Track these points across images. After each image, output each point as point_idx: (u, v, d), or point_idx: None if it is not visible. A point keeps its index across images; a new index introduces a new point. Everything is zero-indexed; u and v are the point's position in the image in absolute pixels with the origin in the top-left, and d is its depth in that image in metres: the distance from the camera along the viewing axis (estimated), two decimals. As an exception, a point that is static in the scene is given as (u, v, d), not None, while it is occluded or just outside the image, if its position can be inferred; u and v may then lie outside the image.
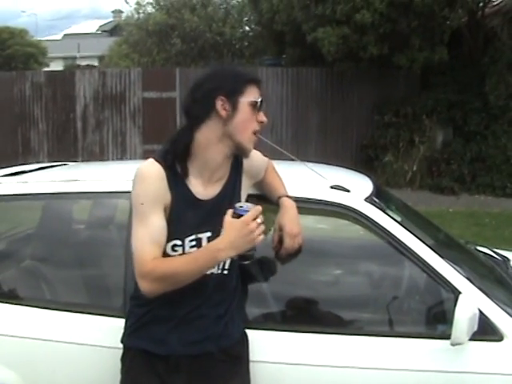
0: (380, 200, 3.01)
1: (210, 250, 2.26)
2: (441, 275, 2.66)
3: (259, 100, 2.44)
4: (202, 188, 2.44)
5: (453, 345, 2.48)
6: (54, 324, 2.88)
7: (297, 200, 2.68)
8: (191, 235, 2.39)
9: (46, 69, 26.94)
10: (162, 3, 21.22)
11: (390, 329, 2.82)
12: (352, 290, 2.72)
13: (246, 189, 2.63)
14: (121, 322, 2.61)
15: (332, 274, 3.11)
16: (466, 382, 2.56)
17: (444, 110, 13.50)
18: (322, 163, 3.69)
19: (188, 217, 2.39)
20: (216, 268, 2.43)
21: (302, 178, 3.00)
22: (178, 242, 2.38)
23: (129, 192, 2.72)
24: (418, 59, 12.52)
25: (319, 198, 2.80)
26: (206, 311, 2.46)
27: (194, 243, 2.39)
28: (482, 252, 3.86)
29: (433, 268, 2.67)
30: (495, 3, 14.11)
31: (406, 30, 12.14)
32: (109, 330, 2.76)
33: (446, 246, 3.43)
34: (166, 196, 2.35)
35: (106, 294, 3.11)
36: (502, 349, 2.59)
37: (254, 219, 2.22)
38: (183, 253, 2.38)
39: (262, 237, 2.23)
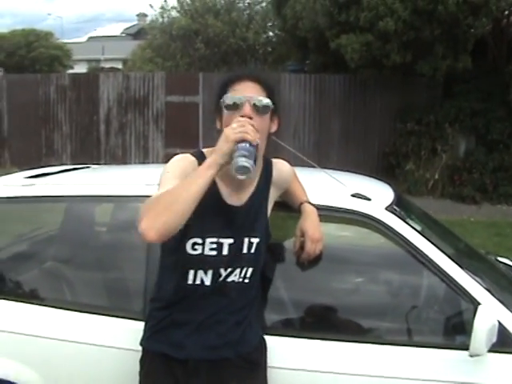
0: (400, 209, 3.01)
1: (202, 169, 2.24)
2: (460, 285, 2.66)
3: (233, 96, 2.39)
4: (230, 193, 2.45)
5: (471, 356, 2.47)
6: (75, 325, 2.92)
7: (318, 208, 2.69)
8: (213, 237, 2.39)
9: (71, 71, 27.16)
10: (186, 8, 21.31)
11: (408, 338, 2.82)
12: (371, 299, 2.72)
13: (273, 200, 2.63)
14: (140, 325, 2.63)
15: (351, 282, 3.12)
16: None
17: (467, 118, 13.42)
18: (343, 170, 3.70)
19: (212, 217, 2.39)
20: (237, 276, 2.45)
21: (323, 186, 3.01)
22: (199, 241, 2.38)
23: (150, 196, 2.76)
24: (441, 67, 12.46)
25: (340, 206, 2.81)
26: (225, 317, 2.47)
27: (214, 246, 2.39)
28: (502, 263, 3.85)
29: (452, 278, 2.66)
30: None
31: (429, 37, 12.09)
32: (128, 333, 2.78)
33: (465, 256, 3.42)
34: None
35: (126, 296, 3.13)
36: (521, 361, 2.58)
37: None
38: (202, 253, 2.39)
39: (248, 135, 2.21)
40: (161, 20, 22.19)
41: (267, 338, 2.65)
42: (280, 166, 2.65)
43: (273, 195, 2.61)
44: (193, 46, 19.94)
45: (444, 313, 2.88)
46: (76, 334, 2.88)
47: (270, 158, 2.62)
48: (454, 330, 2.79)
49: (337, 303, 2.83)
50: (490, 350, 2.48)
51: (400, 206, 3.04)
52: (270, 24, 21.11)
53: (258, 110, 2.39)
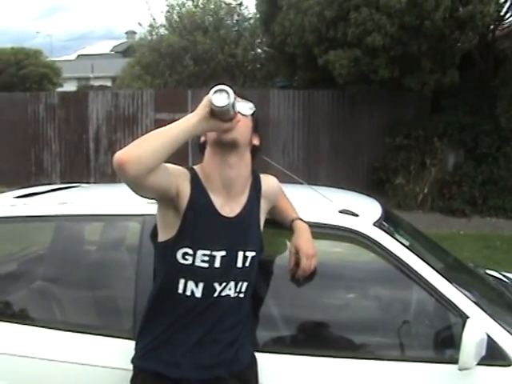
0: (388, 224, 3.03)
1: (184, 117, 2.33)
2: (449, 299, 2.67)
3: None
4: (226, 207, 2.47)
5: (460, 369, 2.47)
6: (65, 345, 2.90)
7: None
8: (205, 249, 2.40)
9: (60, 89, 27.15)
10: (174, 25, 21.37)
11: (398, 353, 2.82)
12: (361, 314, 2.73)
13: (264, 213, 2.66)
14: (130, 344, 2.63)
15: (341, 298, 3.12)
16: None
17: (455, 132, 13.50)
18: (331, 186, 3.72)
19: (204, 227, 2.41)
20: (233, 291, 2.45)
21: (311, 202, 3.02)
22: (190, 251, 2.38)
23: (140, 215, 2.76)
24: (428, 82, 12.55)
25: (328, 223, 2.82)
26: (219, 336, 2.47)
27: (206, 258, 2.39)
28: (491, 276, 3.86)
29: (441, 292, 2.68)
30: (506, 26, 14.16)
31: (416, 52, 12.17)
32: (118, 351, 2.78)
33: (454, 270, 3.44)
34: (183, 184, 2.40)
35: (115, 315, 3.12)
36: (510, 374, 2.59)
37: None
38: (193, 264, 2.39)
39: None
40: (149, 37, 22.23)
41: (258, 354, 2.64)
42: (268, 180, 2.69)
43: (264, 208, 2.64)
44: (181, 63, 19.98)
45: (434, 327, 2.89)
46: (66, 353, 2.87)
47: (257, 172, 2.65)
48: (443, 344, 2.79)
49: (327, 319, 2.84)
50: (479, 363, 2.48)
51: (388, 222, 3.06)
52: (258, 41, 21.17)
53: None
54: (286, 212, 2.75)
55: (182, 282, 2.41)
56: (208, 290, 2.42)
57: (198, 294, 2.41)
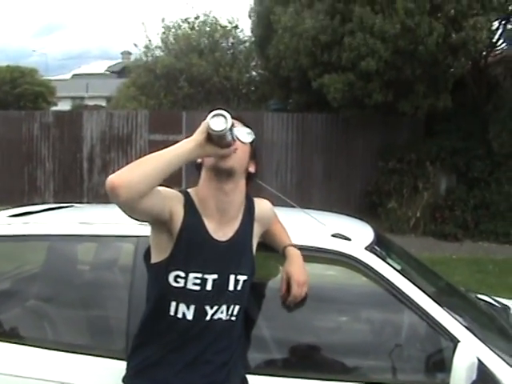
0: (381, 248, 3.05)
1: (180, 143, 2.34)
2: (440, 324, 2.68)
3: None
4: (219, 231, 2.47)
5: (451, 393, 2.48)
6: (56, 365, 2.90)
7: (299, 248, 2.72)
8: (197, 272, 2.40)
9: (55, 108, 27.20)
10: (170, 47, 21.48)
11: (390, 376, 2.82)
12: (352, 338, 2.74)
13: (257, 236, 2.66)
14: (122, 365, 2.63)
15: (332, 321, 3.13)
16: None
17: (448, 156, 13.59)
18: (324, 210, 3.74)
19: (196, 250, 2.40)
20: (224, 314, 2.45)
21: (303, 226, 3.04)
22: (182, 274, 2.38)
23: (133, 236, 2.78)
24: (422, 106, 12.65)
25: (320, 246, 2.84)
26: (211, 357, 2.46)
27: (198, 281, 2.40)
28: (482, 300, 3.88)
29: (432, 316, 2.69)
30: (498, 52, 14.29)
31: (410, 77, 12.27)
32: (110, 372, 2.78)
33: (446, 295, 3.45)
34: (176, 208, 2.41)
35: (108, 335, 3.13)
36: (500, 398, 2.60)
37: None
38: (185, 287, 2.39)
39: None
40: (145, 58, 22.33)
41: (250, 377, 2.65)
42: (261, 204, 2.69)
43: (257, 232, 2.64)
44: (176, 84, 20.06)
45: (425, 351, 2.89)
46: (58, 373, 2.86)
47: (251, 196, 2.65)
48: (434, 368, 2.80)
49: (318, 342, 2.85)
50: (470, 388, 2.49)
51: (380, 246, 3.08)
52: (253, 63, 21.30)
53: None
54: (280, 237, 2.76)
55: (173, 304, 2.41)
56: (199, 313, 2.42)
57: (190, 316, 2.41)
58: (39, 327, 3.25)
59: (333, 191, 14.79)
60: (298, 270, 2.64)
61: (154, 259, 2.46)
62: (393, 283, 2.76)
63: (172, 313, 2.41)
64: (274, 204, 2.83)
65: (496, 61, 14.21)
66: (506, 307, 3.69)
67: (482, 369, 2.56)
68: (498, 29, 13.52)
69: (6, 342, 3.05)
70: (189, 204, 2.45)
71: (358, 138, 14.78)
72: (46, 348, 2.98)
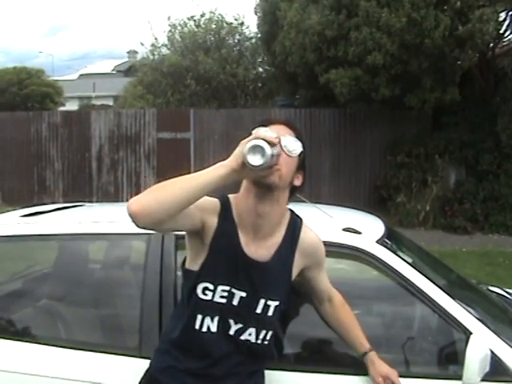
0: (391, 241, 3.05)
1: (212, 168, 2.17)
2: (452, 316, 2.69)
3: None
4: (252, 246, 2.37)
5: (465, 386, 2.49)
6: (70, 363, 2.92)
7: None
8: (226, 285, 2.33)
9: (62, 108, 27.28)
10: (176, 45, 21.48)
11: (403, 369, 2.81)
12: (365, 331, 2.73)
13: (298, 269, 2.51)
14: (136, 362, 2.64)
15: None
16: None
17: (456, 149, 13.56)
18: (334, 205, 3.74)
19: (227, 264, 2.33)
20: (254, 337, 2.39)
21: (315, 221, 3.04)
22: (210, 286, 2.32)
23: (144, 234, 2.79)
24: (429, 100, 12.62)
25: (332, 241, 2.84)
26: (240, 369, 2.42)
27: (225, 294, 2.33)
28: (494, 292, 3.88)
29: (444, 309, 2.70)
30: (505, 44, 14.24)
31: (417, 71, 12.25)
32: (124, 370, 2.80)
33: (457, 287, 3.45)
34: (210, 218, 2.33)
35: (121, 333, 3.14)
36: (513, 390, 2.60)
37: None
38: (212, 299, 2.33)
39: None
40: (151, 57, 22.34)
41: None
42: (309, 233, 2.52)
43: (298, 263, 2.49)
44: (183, 82, 20.05)
45: (437, 343, 2.89)
46: (71, 371, 2.88)
47: (299, 217, 2.51)
48: (447, 360, 2.81)
49: (330, 336, 2.85)
50: (483, 379, 2.49)
51: (391, 239, 3.09)
52: (259, 60, 21.26)
53: (288, 150, 2.34)
54: (357, 335, 2.68)
55: (199, 317, 2.36)
56: (223, 325, 2.36)
57: (214, 328, 2.36)
58: (52, 326, 3.26)
59: (341, 186, 14.78)
60: (389, 370, 2.61)
61: (188, 265, 2.41)
62: (404, 276, 2.76)
63: (197, 326, 2.36)
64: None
65: (503, 52, 14.16)
66: (517, 298, 3.69)
67: (495, 360, 2.56)
68: (504, 20, 13.47)
69: (20, 340, 3.06)
70: (225, 213, 2.37)
71: (366, 132, 14.76)
72: (59, 346, 2.99)
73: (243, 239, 2.36)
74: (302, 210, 3.13)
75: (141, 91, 22.50)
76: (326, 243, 2.68)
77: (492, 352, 2.54)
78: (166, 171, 15.27)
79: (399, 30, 11.69)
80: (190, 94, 19.96)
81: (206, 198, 2.29)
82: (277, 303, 2.40)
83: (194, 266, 2.36)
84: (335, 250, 2.84)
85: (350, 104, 13.42)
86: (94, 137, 16.32)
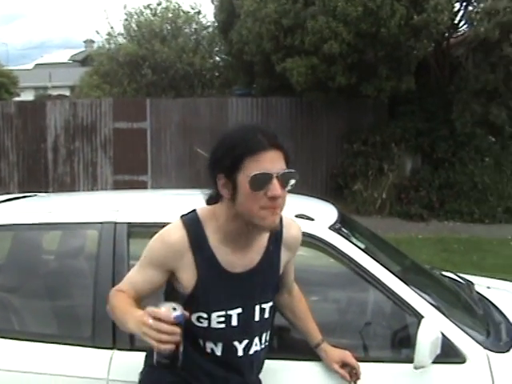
0: (345, 228, 3.07)
1: (137, 319, 2.00)
2: (404, 300, 2.72)
3: (262, 173, 2.07)
4: (234, 258, 2.26)
5: (416, 368, 2.52)
6: (24, 355, 2.88)
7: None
8: (220, 311, 2.25)
9: (17, 98, 26.85)
10: (132, 34, 21.30)
11: (356, 354, 2.85)
12: (319, 317, 2.75)
13: (284, 262, 2.43)
14: (89, 352, 2.62)
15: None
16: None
17: (412, 137, 13.70)
18: (288, 192, 3.74)
19: (216, 290, 2.23)
20: (259, 345, 2.36)
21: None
22: (204, 315, 2.24)
23: (96, 223, 2.76)
24: (385, 88, 12.71)
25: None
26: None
27: (222, 319, 2.25)
28: (447, 277, 3.93)
29: (396, 294, 2.73)
30: (460, 33, 14.40)
31: (373, 59, 12.34)
32: (78, 360, 2.78)
33: (410, 273, 3.49)
34: (180, 263, 2.20)
35: (75, 324, 3.11)
36: (464, 371, 2.65)
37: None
38: (209, 326, 2.25)
39: (153, 342, 1.92)
40: (107, 46, 22.13)
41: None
42: (292, 228, 2.42)
43: (284, 258, 2.41)
44: (140, 71, 19.91)
45: (391, 328, 2.93)
46: (25, 364, 2.85)
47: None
48: (400, 344, 2.84)
49: (286, 323, 2.86)
50: (434, 362, 2.53)
51: (344, 225, 3.10)
52: (216, 49, 21.21)
53: (285, 184, 2.14)
54: (312, 327, 2.67)
55: (200, 341, 2.29)
56: (228, 350, 2.30)
57: (219, 352, 2.29)
58: (5, 318, 3.22)
59: (299, 174, 14.79)
60: (341, 353, 2.62)
61: (176, 286, 2.30)
62: (357, 262, 2.78)
63: (201, 345, 2.30)
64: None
65: (458, 42, 14.32)
66: (469, 283, 3.73)
67: (446, 343, 2.60)
68: (459, 10, 13.63)
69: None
70: (197, 241, 2.22)
71: (323, 121, 14.82)
72: (12, 339, 2.96)
73: (225, 258, 2.24)
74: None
75: (97, 81, 22.27)
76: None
77: (443, 335, 2.57)
78: (122, 161, 15.21)
79: (355, 18, 11.74)
80: (146, 83, 19.83)
81: (166, 251, 2.21)
82: (270, 303, 2.37)
83: (181, 300, 2.17)
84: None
85: (306, 93, 13.45)
86: (49, 127, 16.11)
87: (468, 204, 13.05)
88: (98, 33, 27.33)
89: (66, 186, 15.73)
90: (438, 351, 2.53)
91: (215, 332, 2.26)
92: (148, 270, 2.24)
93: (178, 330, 1.93)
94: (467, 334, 2.72)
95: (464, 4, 13.54)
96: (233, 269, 2.25)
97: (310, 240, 2.78)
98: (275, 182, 2.08)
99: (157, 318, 1.92)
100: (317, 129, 14.86)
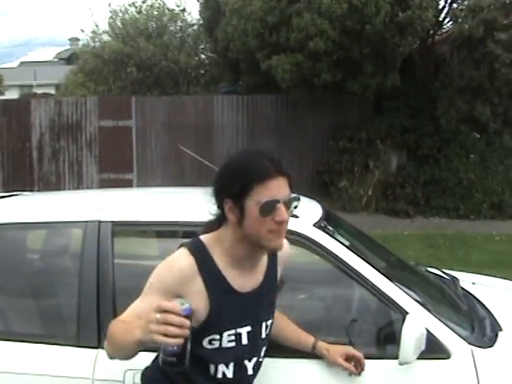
0: (329, 225, 3.07)
1: (143, 323, 2.01)
2: (389, 297, 2.72)
3: (271, 199, 2.14)
4: (242, 279, 2.30)
5: (401, 364, 2.53)
6: (8, 355, 2.87)
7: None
8: (230, 329, 2.26)
9: (2, 97, 26.71)
10: (117, 32, 21.24)
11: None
12: (304, 315, 2.76)
13: (279, 277, 2.51)
14: (74, 351, 2.61)
15: (282, 299, 3.15)
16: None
17: (397, 134, 13.74)
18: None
19: (227, 311, 2.24)
20: (261, 358, 2.40)
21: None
22: (217, 336, 2.25)
23: (80, 222, 2.74)
24: (370, 85, 12.75)
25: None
26: None
27: (232, 338, 2.27)
28: (432, 273, 3.94)
29: (381, 290, 2.73)
30: (444, 31, 14.47)
31: (358, 56, 12.37)
32: (63, 360, 2.77)
33: (395, 269, 3.50)
34: (189, 288, 2.18)
35: (59, 323, 3.10)
36: (449, 366, 2.66)
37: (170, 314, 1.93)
38: (220, 346, 2.25)
39: (161, 338, 1.90)
40: (92, 44, 22.06)
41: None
42: (284, 246, 2.40)
43: (279, 273, 2.49)
44: (125, 69, 19.87)
45: (376, 324, 2.93)
46: (10, 364, 2.83)
47: None
48: (385, 341, 2.84)
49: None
50: (419, 358, 2.54)
51: (328, 222, 3.10)
52: (201, 46, 21.21)
53: (289, 208, 2.22)
54: (299, 332, 2.70)
55: (212, 367, 2.29)
56: (239, 369, 2.32)
57: (230, 374, 2.30)
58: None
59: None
60: (343, 347, 2.64)
61: None
62: (342, 259, 2.78)
63: (212, 373, 2.30)
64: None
65: (443, 39, 14.39)
66: (454, 279, 3.75)
67: (430, 339, 2.61)
68: (444, 7, 13.70)
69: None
70: (205, 266, 2.23)
71: (308, 118, 14.83)
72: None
73: (232, 280, 2.28)
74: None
75: (82, 79, 22.19)
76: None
77: (428, 331, 2.58)
78: (108, 159, 15.16)
79: (340, 16, 11.76)
80: (131, 81, 19.78)
81: (172, 278, 2.19)
82: (272, 320, 2.42)
83: (194, 324, 2.12)
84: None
85: (292, 90, 13.46)
86: (34, 126, 16.03)
87: (453, 200, 13.11)
88: (82, 31, 27.24)
89: (52, 184, 15.66)
90: (423, 347, 2.54)
91: (227, 352, 2.28)
92: (154, 297, 2.15)
93: (187, 321, 1.94)
94: (452, 329, 2.73)
95: (448, 1, 13.62)
96: (242, 289, 2.29)
97: (294, 238, 2.78)
98: (282, 207, 2.16)
99: (164, 311, 1.92)
100: (302, 126, 14.87)
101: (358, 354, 2.62)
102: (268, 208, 2.13)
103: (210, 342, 2.25)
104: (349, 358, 2.62)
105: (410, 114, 13.76)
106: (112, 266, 2.83)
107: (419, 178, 13.41)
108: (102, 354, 2.73)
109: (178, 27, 21.69)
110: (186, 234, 3.21)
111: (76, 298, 2.84)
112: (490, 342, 2.85)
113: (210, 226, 2.33)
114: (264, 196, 2.13)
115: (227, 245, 2.26)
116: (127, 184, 14.75)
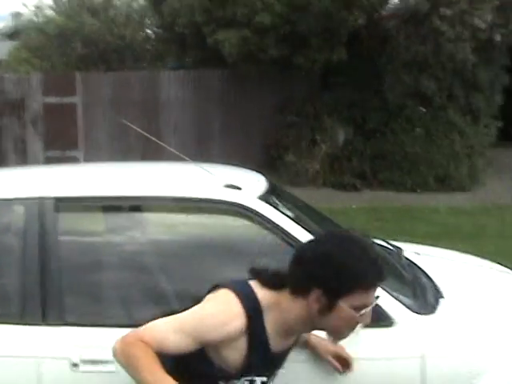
0: (274, 197, 3.08)
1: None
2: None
3: (364, 305, 2.14)
4: (280, 342, 2.30)
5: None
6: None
7: (189, 200, 2.71)
8: (249, 376, 2.27)
9: None
10: (62, 6, 20.83)
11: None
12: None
13: None
14: (18, 329, 2.58)
15: (226, 271, 3.14)
16: (358, 368, 2.66)
17: (344, 108, 13.79)
18: (220, 164, 3.74)
19: (255, 366, 2.25)
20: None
21: (196, 179, 3.04)
22: (236, 381, 2.27)
23: (22, 198, 2.70)
24: (317, 60, 12.77)
25: (211, 198, 2.85)
26: None
27: (247, 383, 2.29)
28: (378, 245, 3.99)
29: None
30: (391, 5, 14.53)
31: (305, 31, 12.36)
32: (6, 338, 2.74)
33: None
34: (229, 344, 2.17)
35: (2, 301, 3.05)
36: (392, 333, 2.74)
37: None
38: None
39: None
40: (36, 19, 21.60)
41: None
42: None
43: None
44: (69, 45, 19.52)
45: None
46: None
47: None
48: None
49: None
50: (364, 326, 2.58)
51: (273, 195, 3.11)
52: (148, 22, 20.95)
53: None
54: None
55: None
56: None
57: None
58: None
59: (232, 147, 14.77)
60: (335, 346, 2.62)
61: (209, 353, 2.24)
62: (286, 231, 2.80)
63: None
64: (170, 160, 2.79)
65: (390, 15, 14.44)
66: (399, 249, 3.81)
67: (375, 309, 2.64)
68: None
69: None
70: (254, 327, 2.20)
71: (256, 92, 14.78)
72: None
73: (273, 343, 2.26)
74: (184, 168, 3.13)
75: (25, 55, 21.73)
76: (206, 200, 2.68)
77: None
78: (53, 137, 14.91)
79: (287, -10, 11.73)
80: (76, 57, 19.45)
81: (224, 330, 2.14)
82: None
83: (221, 363, 2.22)
84: (216, 206, 2.85)
85: (239, 64, 13.40)
86: (-24, 104, 15.66)
87: (400, 174, 13.23)
88: (25, 5, 26.57)
89: (-5, 163, 15.36)
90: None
91: None
92: (188, 339, 2.12)
93: None
94: (395, 298, 2.79)
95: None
96: (275, 349, 2.28)
97: (237, 209, 2.79)
98: (369, 311, 2.18)
99: None
100: (250, 100, 14.82)
101: (349, 356, 2.65)
102: (358, 311, 2.13)
103: (227, 381, 2.27)
104: (337, 357, 2.66)
105: (357, 88, 13.78)
106: (56, 242, 2.80)
107: (366, 152, 13.49)
108: (46, 330, 2.72)
109: (124, 2, 21.38)
110: (132, 208, 3.20)
111: (19, 275, 2.80)
112: (432, 309, 2.92)
113: (266, 281, 2.28)
114: (360, 302, 2.13)
115: (287, 317, 2.22)
116: (73, 161, 14.51)
